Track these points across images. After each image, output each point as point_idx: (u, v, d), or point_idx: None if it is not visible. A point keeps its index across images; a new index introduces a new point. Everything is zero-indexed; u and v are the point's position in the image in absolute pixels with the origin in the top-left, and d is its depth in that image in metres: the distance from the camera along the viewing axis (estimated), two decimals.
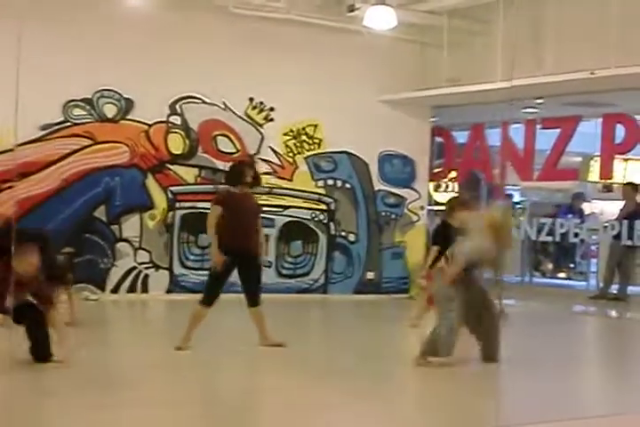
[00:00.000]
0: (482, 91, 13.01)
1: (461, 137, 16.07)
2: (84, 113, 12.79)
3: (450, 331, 7.85)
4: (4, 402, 6.36)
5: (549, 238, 15.08)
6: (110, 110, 12.95)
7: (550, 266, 17.06)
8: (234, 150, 13.78)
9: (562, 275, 16.92)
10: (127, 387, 7.04)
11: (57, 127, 12.61)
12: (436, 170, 16.26)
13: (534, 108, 14.08)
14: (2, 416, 5.89)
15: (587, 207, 16.75)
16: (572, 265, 16.94)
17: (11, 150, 11.78)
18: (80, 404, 6.28)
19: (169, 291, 13.39)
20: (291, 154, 14.23)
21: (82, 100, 12.74)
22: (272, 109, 13.99)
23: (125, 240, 13.10)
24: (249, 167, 9.14)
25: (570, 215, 15.94)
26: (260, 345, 8.75)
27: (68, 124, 12.69)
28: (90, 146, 12.82)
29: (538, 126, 14.62)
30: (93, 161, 12.81)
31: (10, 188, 11.90)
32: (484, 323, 8.10)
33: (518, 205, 17.48)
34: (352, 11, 13.25)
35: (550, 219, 15.15)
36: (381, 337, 10.52)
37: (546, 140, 14.59)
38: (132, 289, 13.14)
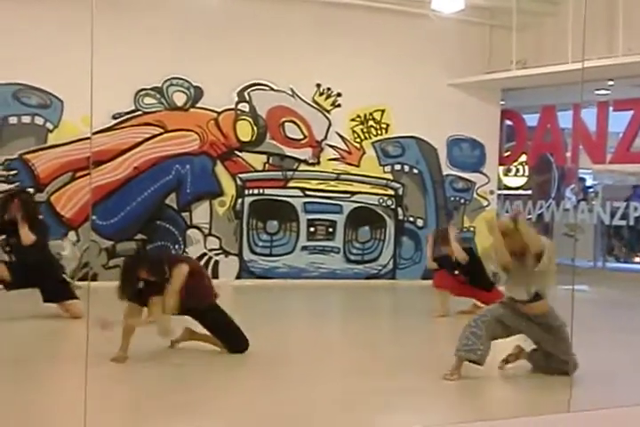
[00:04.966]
0: (552, 73, 12.86)
1: (532, 120, 15.85)
2: (155, 102, 12.92)
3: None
4: None
5: (623, 222, 14.87)
6: (180, 99, 13.06)
7: (624, 250, 16.81)
8: (301, 137, 13.81)
9: (636, 259, 16.67)
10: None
11: (128, 116, 12.76)
12: (505, 154, 16.11)
13: (606, 89, 13.86)
14: None
15: None
16: None
17: (87, 139, 12.00)
18: None
19: (238, 277, 13.49)
20: (358, 139, 14.19)
21: (152, 89, 12.88)
22: (339, 95, 13.97)
23: (196, 227, 13.23)
24: None
25: None
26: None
27: (139, 112, 12.84)
28: (160, 134, 12.96)
29: (610, 108, 14.39)
30: (164, 149, 12.95)
31: (85, 175, 12.15)
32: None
33: (590, 189, 17.23)
34: None
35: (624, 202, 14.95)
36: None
37: (618, 122, 14.35)
38: None
